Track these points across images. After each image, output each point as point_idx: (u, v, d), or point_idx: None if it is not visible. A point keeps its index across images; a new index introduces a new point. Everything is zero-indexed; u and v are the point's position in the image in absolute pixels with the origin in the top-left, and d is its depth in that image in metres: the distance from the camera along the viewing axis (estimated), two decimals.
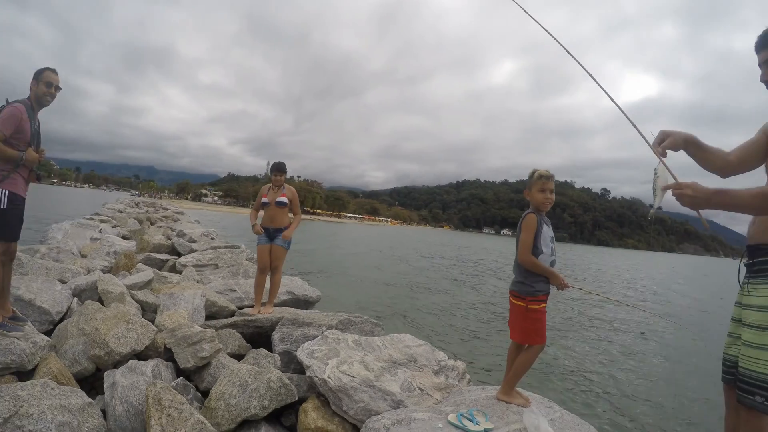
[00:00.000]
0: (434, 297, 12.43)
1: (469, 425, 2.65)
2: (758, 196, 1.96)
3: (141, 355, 3.65)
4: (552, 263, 3.06)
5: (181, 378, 3.41)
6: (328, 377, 3.16)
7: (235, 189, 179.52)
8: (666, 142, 2.27)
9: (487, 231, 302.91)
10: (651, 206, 2.18)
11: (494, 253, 41.45)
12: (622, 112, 2.34)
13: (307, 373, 3.37)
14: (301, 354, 3.61)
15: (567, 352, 8.08)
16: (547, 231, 3.07)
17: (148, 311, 4.78)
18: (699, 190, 1.94)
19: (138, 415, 2.91)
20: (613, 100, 2.39)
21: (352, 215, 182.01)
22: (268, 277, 5.53)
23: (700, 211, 2.05)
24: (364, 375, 3.16)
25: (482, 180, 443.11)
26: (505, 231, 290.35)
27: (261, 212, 5.57)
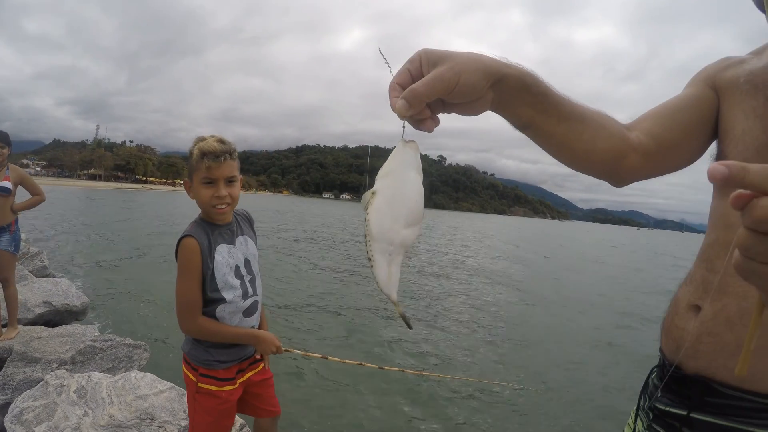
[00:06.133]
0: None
1: None
2: None
3: None
4: (251, 307, 1.84)
5: None
6: None
7: (60, 157, 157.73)
8: (427, 79, 0.64)
9: (326, 196, 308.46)
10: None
11: (332, 219, 40.97)
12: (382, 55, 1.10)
13: None
14: (8, 417, 2.67)
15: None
16: (231, 255, 1.79)
17: None
18: None
19: None
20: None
21: None
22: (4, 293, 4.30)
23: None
24: None
25: (322, 145, 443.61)
26: (344, 195, 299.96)
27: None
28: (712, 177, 0.41)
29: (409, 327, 0.80)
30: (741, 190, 0.41)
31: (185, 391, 2.98)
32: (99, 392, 2.79)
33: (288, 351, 1.96)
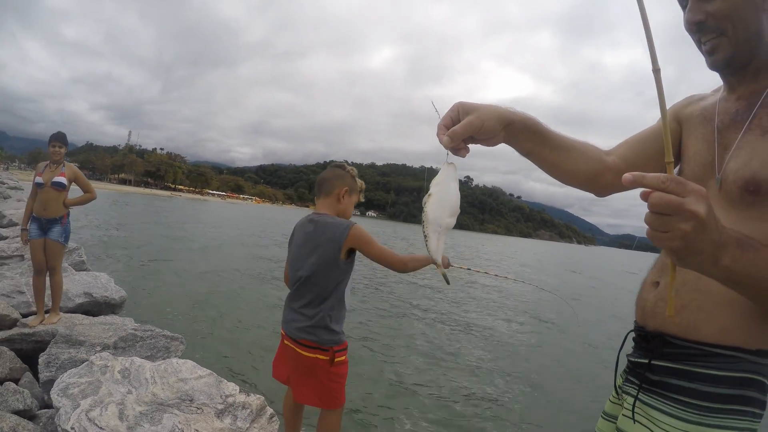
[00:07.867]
0: (271, 297, 9.84)
1: None
2: None
3: None
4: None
5: None
6: (72, 428, 2.51)
7: (92, 160, 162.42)
8: (462, 124, 0.98)
9: (352, 212, 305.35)
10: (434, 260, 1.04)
11: None
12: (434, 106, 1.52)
13: (55, 418, 2.69)
14: (55, 390, 2.90)
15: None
16: None
17: None
18: (709, 226, 0.72)
19: None
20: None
21: (215, 192, 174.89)
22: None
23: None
24: (114, 426, 2.52)
25: (350, 161, 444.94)
26: (370, 213, 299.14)
27: None
28: (623, 181, 0.73)
29: (447, 283, 1.17)
30: (644, 189, 0.72)
31: (222, 379, 3.19)
32: (142, 374, 2.99)
33: (453, 266, 2.56)
